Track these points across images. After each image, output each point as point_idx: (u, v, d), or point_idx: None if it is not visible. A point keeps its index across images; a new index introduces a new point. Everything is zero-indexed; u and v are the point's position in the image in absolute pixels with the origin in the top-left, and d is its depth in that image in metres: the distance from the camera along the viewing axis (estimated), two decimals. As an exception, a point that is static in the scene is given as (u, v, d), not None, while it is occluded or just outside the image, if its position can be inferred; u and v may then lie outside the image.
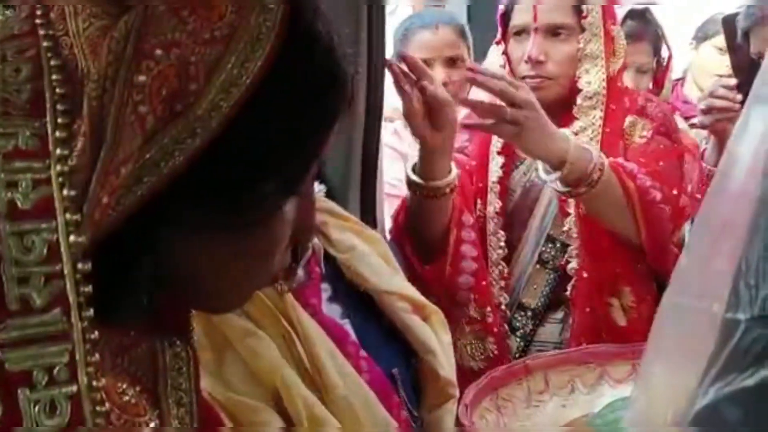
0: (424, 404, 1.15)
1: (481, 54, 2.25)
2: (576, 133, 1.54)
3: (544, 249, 1.59)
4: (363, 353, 1.08)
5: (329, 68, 0.54)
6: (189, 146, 0.47)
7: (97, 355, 0.43)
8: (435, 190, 1.43)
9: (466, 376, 1.42)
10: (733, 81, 1.60)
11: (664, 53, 2.39)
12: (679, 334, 0.47)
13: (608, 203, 1.46)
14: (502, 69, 1.59)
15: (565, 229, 1.56)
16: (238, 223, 0.53)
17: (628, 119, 1.57)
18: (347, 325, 1.11)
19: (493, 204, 1.59)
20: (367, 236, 1.21)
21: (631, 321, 1.54)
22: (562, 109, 1.56)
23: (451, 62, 2.06)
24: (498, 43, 1.61)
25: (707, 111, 1.63)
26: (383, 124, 1.61)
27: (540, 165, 1.49)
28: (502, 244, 1.59)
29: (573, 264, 1.55)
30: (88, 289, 0.43)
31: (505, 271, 1.59)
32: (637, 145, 1.55)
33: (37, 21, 0.48)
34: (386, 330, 1.15)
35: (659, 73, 2.40)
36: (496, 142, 1.61)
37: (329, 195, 1.19)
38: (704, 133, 2.24)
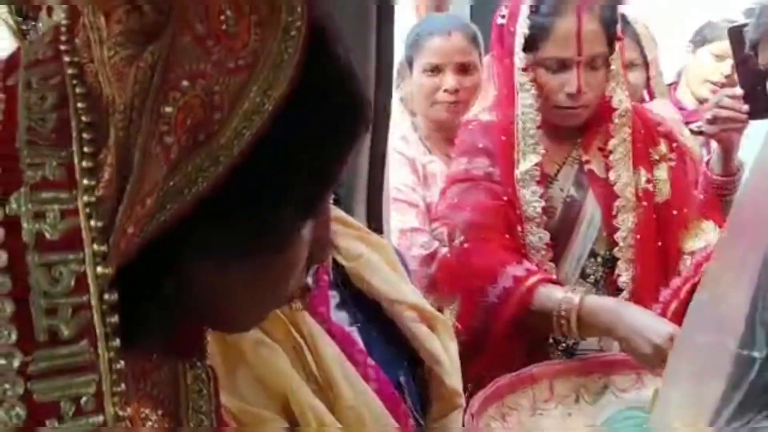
0: (430, 413, 1.15)
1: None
2: (611, 151, 1.61)
3: (587, 263, 1.63)
4: (371, 361, 1.09)
5: (349, 93, 0.55)
6: (212, 174, 0.48)
7: (123, 385, 0.43)
8: None
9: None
10: (740, 91, 1.61)
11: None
12: (694, 368, 0.47)
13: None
14: (533, 96, 1.60)
15: (618, 243, 1.60)
16: (257, 246, 0.53)
17: (654, 138, 1.65)
18: (355, 333, 1.12)
19: (537, 234, 1.60)
20: (374, 243, 1.22)
21: None
22: (590, 127, 1.63)
23: (463, 68, 2.05)
24: (525, 70, 1.59)
25: (713, 121, 1.64)
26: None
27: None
28: (554, 276, 1.60)
29: (624, 278, 1.60)
30: (114, 319, 0.44)
31: None
32: (674, 168, 1.65)
33: (62, 47, 0.49)
34: (393, 338, 1.15)
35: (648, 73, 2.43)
36: (531, 170, 1.61)
37: (335, 201, 1.20)
38: (700, 138, 2.27)
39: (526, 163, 1.60)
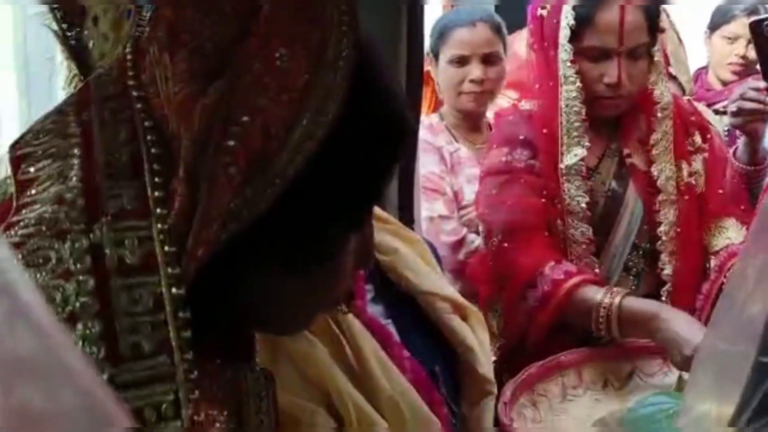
0: (464, 400, 1.20)
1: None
2: (653, 145, 1.61)
3: (629, 257, 1.64)
4: (406, 353, 1.13)
5: (394, 117, 0.59)
6: (269, 196, 0.52)
7: (197, 392, 0.48)
8: None
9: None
10: (763, 84, 1.63)
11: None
12: (717, 376, 0.51)
13: None
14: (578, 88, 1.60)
15: (661, 236, 1.61)
16: (309, 258, 0.58)
17: (688, 129, 1.66)
18: (390, 326, 1.16)
19: (579, 228, 1.61)
20: (407, 238, 1.26)
21: None
22: (629, 119, 1.63)
23: (488, 59, 2.09)
24: (573, 62, 1.59)
25: (738, 113, 1.67)
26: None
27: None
28: (597, 270, 1.61)
29: (667, 270, 1.62)
30: (188, 334, 0.49)
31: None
32: (707, 159, 1.66)
33: (130, 83, 0.53)
34: (427, 329, 1.20)
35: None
36: (576, 165, 1.61)
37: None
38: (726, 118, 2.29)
39: (572, 156, 1.60)
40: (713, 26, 2.64)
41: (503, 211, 1.63)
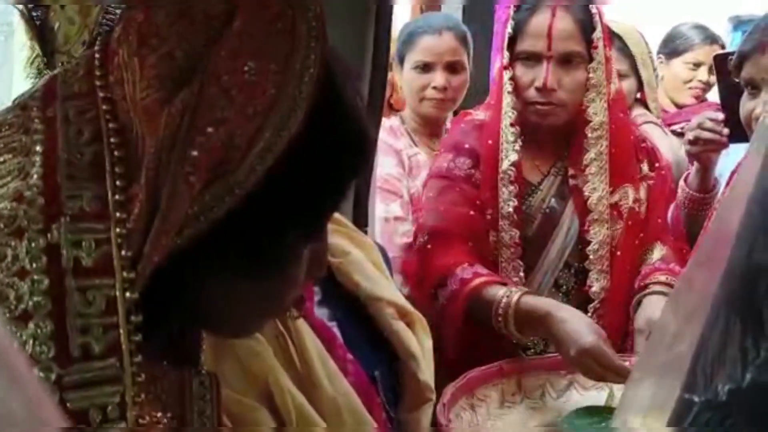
0: (403, 406, 1.22)
1: (475, 53, 2.30)
2: (587, 165, 1.63)
3: (560, 274, 1.67)
4: (349, 356, 1.15)
5: (354, 130, 0.60)
6: (226, 203, 0.53)
7: (143, 395, 0.49)
8: None
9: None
10: (721, 115, 1.68)
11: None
12: (645, 404, 0.53)
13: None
14: (511, 94, 1.62)
15: (590, 255, 1.63)
16: (264, 265, 0.59)
17: (639, 156, 1.69)
18: (335, 328, 1.18)
19: (509, 233, 1.63)
20: (359, 241, 1.28)
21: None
22: (568, 136, 1.65)
23: (452, 67, 2.12)
24: (507, 68, 1.62)
25: (694, 142, 1.71)
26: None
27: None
28: (521, 274, 1.64)
29: (595, 287, 1.64)
30: (138, 338, 0.49)
31: None
32: (652, 188, 1.68)
33: (97, 83, 0.54)
34: (372, 333, 1.22)
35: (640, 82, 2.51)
36: (508, 170, 1.63)
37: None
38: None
39: (507, 161, 1.63)
40: (673, 52, 2.71)
41: (433, 216, 1.67)
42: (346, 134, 0.59)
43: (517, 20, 1.60)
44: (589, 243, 1.64)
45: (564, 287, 1.68)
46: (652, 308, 1.55)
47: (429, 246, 1.64)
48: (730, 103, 1.65)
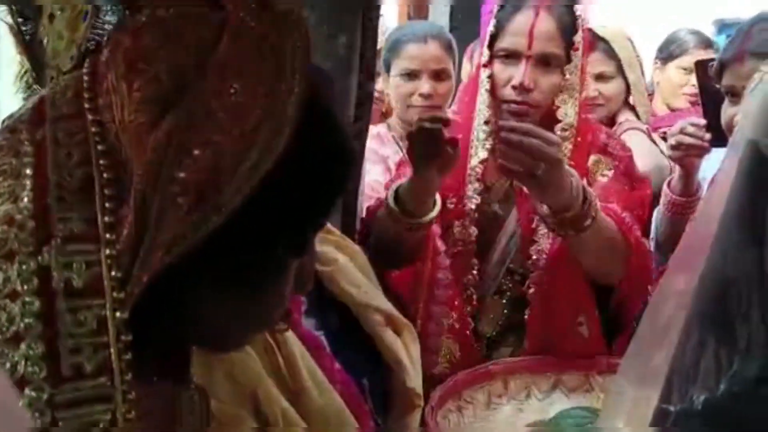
0: (391, 412, 1.23)
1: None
2: None
3: (503, 281, 1.63)
4: (337, 365, 1.16)
5: (339, 148, 0.61)
6: (213, 222, 0.54)
7: (133, 412, 0.50)
8: (420, 225, 1.48)
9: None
10: (702, 121, 1.70)
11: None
12: (626, 417, 0.55)
13: (595, 248, 1.49)
14: (487, 91, 1.60)
15: (532, 257, 1.58)
16: (252, 280, 0.60)
17: (593, 157, 1.61)
18: (322, 337, 1.19)
19: (468, 229, 1.61)
20: (347, 249, 1.29)
21: (584, 343, 1.60)
22: None
23: (437, 75, 2.13)
24: (486, 66, 1.60)
25: (677, 146, 1.72)
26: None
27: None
28: (474, 271, 1.61)
29: (532, 291, 1.59)
30: (129, 356, 0.50)
31: (474, 297, 1.63)
32: (602, 184, 1.59)
33: (86, 105, 0.55)
34: (359, 340, 1.23)
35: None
36: (476, 167, 1.62)
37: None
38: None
39: (476, 158, 1.61)
40: (669, 56, 2.73)
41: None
42: (331, 149, 0.60)
43: (499, 18, 1.58)
44: (531, 250, 1.59)
45: (508, 294, 1.64)
46: None
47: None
48: (712, 108, 1.66)
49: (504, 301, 1.64)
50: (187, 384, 0.60)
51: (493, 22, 1.60)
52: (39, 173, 0.52)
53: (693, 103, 2.60)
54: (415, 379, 1.23)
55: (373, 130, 2.17)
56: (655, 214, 1.90)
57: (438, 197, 1.51)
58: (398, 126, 2.24)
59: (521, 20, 1.56)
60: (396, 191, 1.50)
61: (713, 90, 1.63)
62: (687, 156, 1.73)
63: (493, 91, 1.60)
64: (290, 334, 1.10)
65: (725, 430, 0.49)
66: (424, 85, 2.11)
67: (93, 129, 0.54)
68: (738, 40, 1.57)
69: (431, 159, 1.42)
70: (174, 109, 0.52)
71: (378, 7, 1.61)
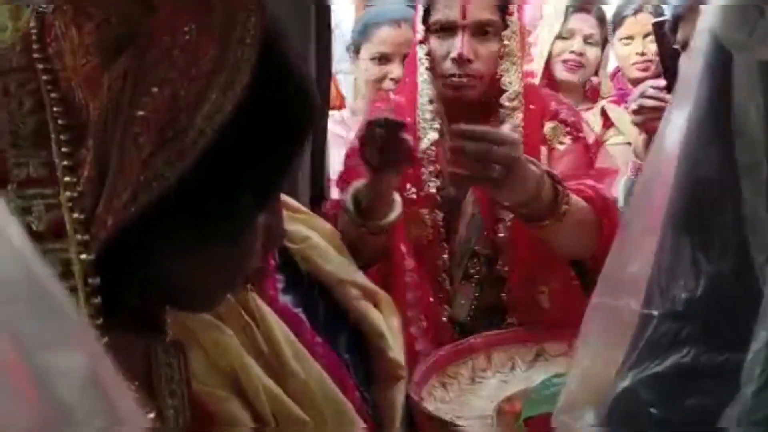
0: (375, 385, 1.22)
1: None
2: None
3: (470, 264, 1.59)
4: (318, 339, 1.15)
5: (299, 92, 0.60)
6: (178, 168, 0.53)
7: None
8: (381, 228, 1.44)
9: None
10: (663, 82, 1.70)
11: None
12: (603, 330, 0.55)
13: (567, 234, 1.46)
14: (427, 69, 1.55)
15: (499, 235, 1.55)
16: (217, 233, 0.59)
17: (548, 125, 1.58)
18: (301, 314, 1.18)
19: (432, 214, 1.57)
20: (318, 226, 1.28)
21: (565, 311, 1.58)
22: (486, 108, 1.55)
23: None
24: (422, 42, 1.56)
25: (639, 111, 1.73)
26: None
27: None
28: (445, 256, 1.58)
29: (505, 270, 1.57)
30: (98, 300, 0.49)
31: (446, 282, 1.60)
32: (561, 153, 1.57)
33: (35, 55, 0.53)
34: (338, 316, 1.22)
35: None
36: (428, 149, 1.57)
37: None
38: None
39: (426, 140, 1.56)
40: (612, 33, 2.75)
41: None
42: (291, 94, 0.59)
43: None
44: (494, 229, 1.57)
45: (476, 277, 1.60)
46: None
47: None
48: (671, 68, 1.66)
49: (473, 284, 1.60)
50: (162, 336, 0.58)
51: None
52: None
53: (647, 70, 2.60)
54: (396, 350, 1.22)
55: (337, 115, 2.16)
56: (623, 182, 1.91)
57: (397, 197, 1.45)
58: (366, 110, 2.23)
59: None
60: (355, 197, 1.44)
61: (671, 49, 1.64)
62: (650, 119, 1.73)
63: (433, 68, 1.55)
64: (269, 312, 1.09)
65: (705, 329, 0.49)
66: (396, 70, 2.09)
67: (44, 77, 0.52)
68: None
69: (386, 161, 1.37)
70: (127, 50, 0.51)
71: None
